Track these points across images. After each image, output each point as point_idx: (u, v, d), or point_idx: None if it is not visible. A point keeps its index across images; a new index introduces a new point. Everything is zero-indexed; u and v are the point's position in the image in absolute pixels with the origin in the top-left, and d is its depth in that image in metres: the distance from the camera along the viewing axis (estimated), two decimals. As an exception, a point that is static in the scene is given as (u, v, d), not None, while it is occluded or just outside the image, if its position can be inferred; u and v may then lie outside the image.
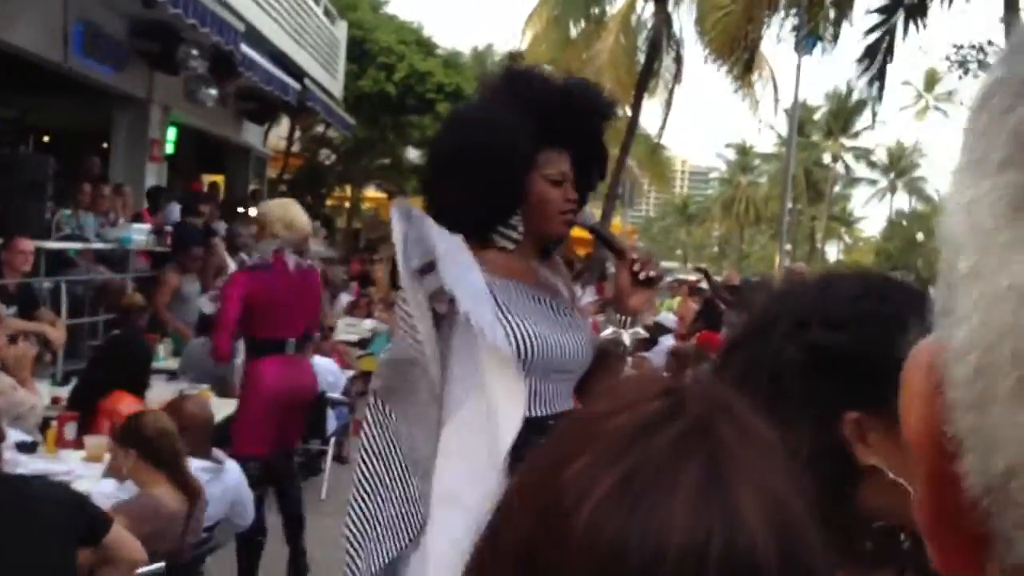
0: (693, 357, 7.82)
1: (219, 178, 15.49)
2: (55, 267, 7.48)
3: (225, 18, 8.78)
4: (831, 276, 1.15)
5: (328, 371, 6.86)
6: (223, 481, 3.82)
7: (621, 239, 2.49)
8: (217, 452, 3.91)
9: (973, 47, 8.42)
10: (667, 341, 10.44)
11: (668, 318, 11.55)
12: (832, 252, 71.04)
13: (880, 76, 8.37)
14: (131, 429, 3.32)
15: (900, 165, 63.80)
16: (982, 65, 8.21)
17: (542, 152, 2.20)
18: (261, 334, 4.97)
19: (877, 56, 8.23)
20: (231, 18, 9.01)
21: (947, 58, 8.33)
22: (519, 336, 2.08)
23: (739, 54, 7.64)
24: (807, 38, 7.64)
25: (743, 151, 65.94)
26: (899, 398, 0.66)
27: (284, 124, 17.54)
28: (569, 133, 2.24)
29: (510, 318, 2.09)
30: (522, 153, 2.16)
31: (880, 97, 8.43)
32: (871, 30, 8.31)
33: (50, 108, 12.57)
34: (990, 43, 8.27)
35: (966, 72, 8.44)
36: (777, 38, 7.57)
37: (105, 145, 11.82)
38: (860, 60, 8.24)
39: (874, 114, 10.69)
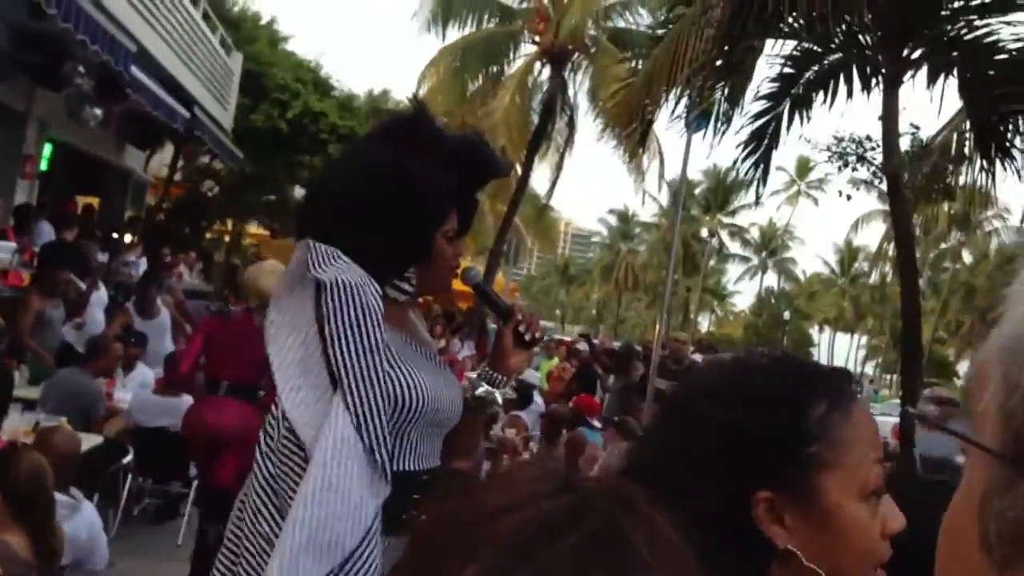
0: (568, 419, 7.85)
1: (95, 200, 14.89)
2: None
3: (116, 37, 8.49)
4: (743, 357, 1.16)
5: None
6: (78, 520, 3.60)
7: (505, 299, 2.46)
8: (75, 490, 3.68)
9: (853, 140, 8.87)
10: (536, 400, 10.52)
11: (533, 375, 11.62)
12: (704, 323, 73.08)
13: (765, 159, 8.70)
14: (3, 469, 3.02)
15: (771, 245, 66.38)
16: (860, 159, 8.68)
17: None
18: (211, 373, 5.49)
19: (764, 140, 8.57)
20: (123, 37, 8.73)
21: (828, 148, 8.75)
22: (412, 386, 2.03)
23: (635, 127, 7.84)
24: (698, 118, 7.91)
25: (625, 218, 67.48)
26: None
27: (168, 151, 17.05)
28: (465, 189, 2.21)
29: (403, 367, 2.04)
30: (442, 210, 2.12)
31: (765, 180, 8.78)
32: (758, 115, 8.66)
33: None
34: (868, 138, 8.73)
35: (845, 164, 8.86)
36: (670, 115, 7.86)
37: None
38: (747, 143, 8.56)
39: (758, 196, 11.20)
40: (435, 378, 2.12)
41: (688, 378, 1.18)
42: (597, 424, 8.22)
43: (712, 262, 65.92)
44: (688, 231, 59.00)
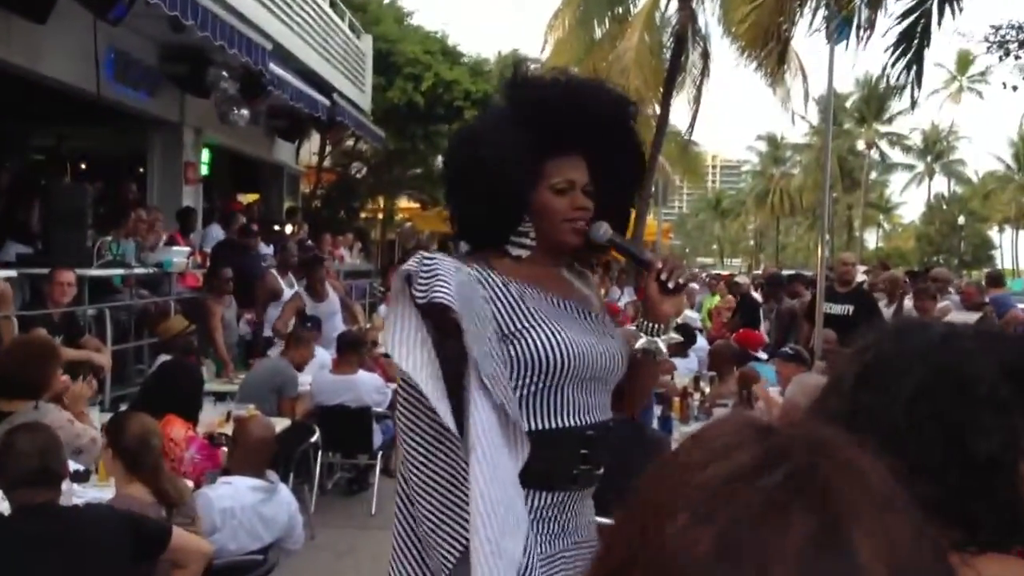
0: (735, 355, 7.73)
1: (254, 197, 15.61)
2: (98, 294, 7.55)
3: (252, 38, 8.83)
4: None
5: (373, 387, 6.88)
6: (275, 502, 3.83)
7: (642, 249, 2.46)
8: (271, 473, 3.92)
9: (1013, 27, 8.22)
10: (700, 340, 10.35)
11: (693, 317, 11.43)
12: (871, 239, 70.29)
13: (918, 60, 8.15)
14: (113, 430, 3.40)
15: (936, 148, 62.95)
16: (1022, 45, 8.02)
17: (550, 160, 2.15)
18: None
19: (913, 41, 8.03)
20: (258, 37, 9.07)
21: (985, 39, 8.13)
22: (553, 345, 2.04)
23: (772, 47, 7.50)
24: (839, 27, 7.44)
25: (774, 143, 65.42)
26: None
27: (315, 140, 17.64)
28: (579, 136, 2.16)
29: (543, 324, 2.05)
30: (518, 164, 2.11)
31: (919, 83, 8.22)
32: (904, 15, 8.12)
33: (85, 135, 12.76)
34: (1029, 22, 8.07)
35: (1006, 53, 8.22)
36: (809, 28, 7.44)
37: (142, 169, 11.96)
38: (895, 46, 8.04)
39: (913, 101, 10.52)
40: (584, 335, 2.12)
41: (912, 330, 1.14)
42: (763, 355, 8.08)
43: (873, 175, 63.14)
44: (843, 146, 56.63)
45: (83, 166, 13.53)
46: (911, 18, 8.11)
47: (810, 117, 46.26)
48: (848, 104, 57.13)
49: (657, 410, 6.16)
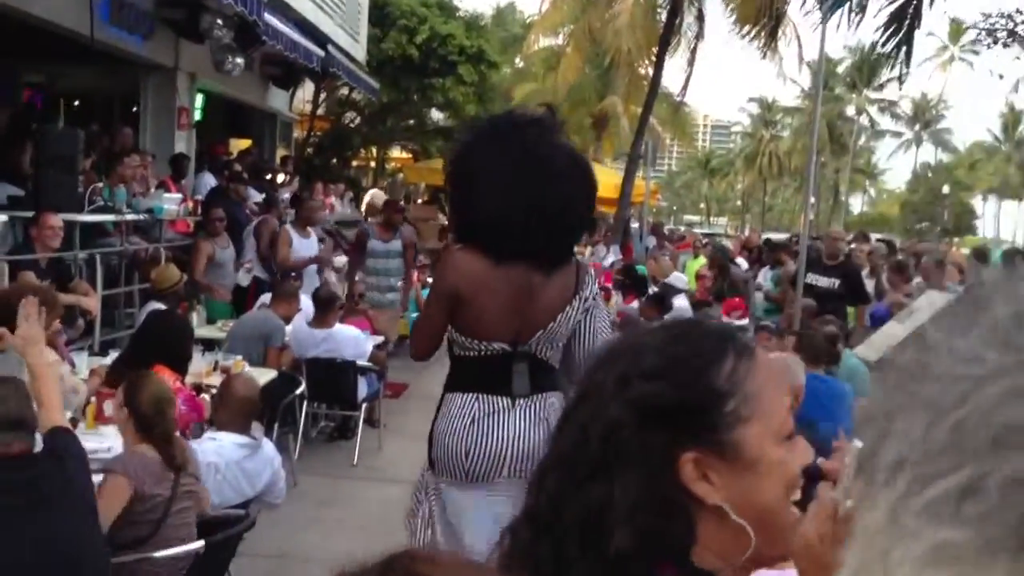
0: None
1: (247, 143, 15.61)
2: (90, 238, 7.63)
3: (248, -12, 8.81)
4: (639, 333, 1.18)
5: (349, 339, 7.02)
6: (259, 458, 3.98)
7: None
8: (256, 429, 4.07)
9: (1003, 16, 8.30)
10: (680, 302, 10.41)
11: (680, 279, 11.49)
12: (856, 204, 70.55)
13: (908, 41, 8.22)
14: (130, 391, 3.48)
15: (925, 116, 63.03)
16: (1011, 35, 8.11)
17: None
18: None
19: (904, 22, 8.09)
20: (254, -13, 9.05)
21: (975, 26, 8.20)
22: None
23: (765, 23, 7.57)
24: (832, 5, 7.51)
25: (766, 105, 65.30)
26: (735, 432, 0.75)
27: (309, 87, 17.58)
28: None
29: None
30: None
31: (908, 63, 8.30)
32: (895, -4, 8.17)
33: (78, 75, 12.69)
34: (1019, 11, 8.17)
35: (995, 41, 8.32)
36: (801, 4, 7.52)
37: (135, 109, 11.93)
38: (886, 26, 8.12)
39: (901, 80, 10.53)
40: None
41: (600, 362, 1.14)
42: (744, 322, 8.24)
43: (862, 140, 63.21)
44: (834, 111, 56.61)
45: (76, 103, 13.50)
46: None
47: (802, 81, 46.08)
48: (840, 69, 57.00)
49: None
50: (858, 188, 67.81)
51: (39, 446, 3.04)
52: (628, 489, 1.02)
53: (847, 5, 7.93)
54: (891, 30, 8.19)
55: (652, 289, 10.78)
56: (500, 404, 2.86)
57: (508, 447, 2.84)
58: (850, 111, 59.46)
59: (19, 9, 8.09)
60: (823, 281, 7.88)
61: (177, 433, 3.61)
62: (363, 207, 11.55)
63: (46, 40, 9.19)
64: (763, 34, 7.90)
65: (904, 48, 8.27)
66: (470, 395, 2.88)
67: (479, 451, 2.84)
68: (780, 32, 13.11)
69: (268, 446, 4.16)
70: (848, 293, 8.37)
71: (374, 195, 11.62)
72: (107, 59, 10.46)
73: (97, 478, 3.54)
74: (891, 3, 8.26)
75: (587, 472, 1.05)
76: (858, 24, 7.97)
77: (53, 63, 11.93)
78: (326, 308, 6.94)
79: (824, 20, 7.05)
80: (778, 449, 1.07)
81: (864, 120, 60.82)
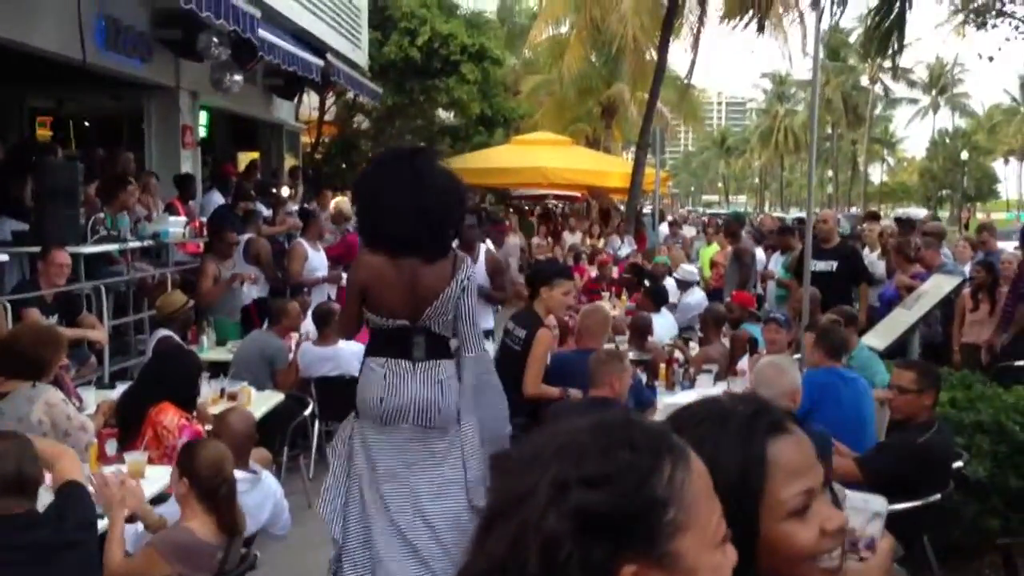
0: (732, 316, 7.79)
1: (254, 155, 15.67)
2: (95, 268, 7.67)
3: (239, 6, 8.82)
4: (573, 431, 1.08)
5: (354, 355, 7.01)
6: (260, 491, 3.98)
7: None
8: (254, 463, 4.07)
9: (990, -4, 8.14)
10: (695, 295, 10.29)
11: (691, 271, 11.32)
12: (875, 174, 69.93)
13: (899, 24, 8.07)
14: (187, 459, 3.43)
15: (941, 82, 62.29)
16: (999, 14, 7.94)
17: None
18: None
19: (895, 4, 7.95)
20: (245, 4, 9.06)
21: (957, 10, 8.04)
22: None
23: (752, 15, 7.50)
24: None
25: (779, 80, 64.79)
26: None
27: (314, 95, 17.62)
28: None
29: None
30: None
31: (900, 49, 8.16)
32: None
33: (85, 99, 12.79)
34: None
35: (983, 24, 8.16)
36: None
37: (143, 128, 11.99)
38: (876, 11, 7.98)
39: (895, 66, 10.27)
40: None
41: (533, 459, 1.06)
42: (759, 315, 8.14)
43: (878, 110, 62.59)
44: (847, 82, 56.10)
45: (85, 124, 13.62)
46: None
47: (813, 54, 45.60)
48: (852, 39, 56.41)
49: (643, 376, 6.22)
50: (877, 158, 67.17)
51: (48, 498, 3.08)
52: None
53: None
54: (881, 13, 8.06)
55: (669, 280, 10.63)
56: (403, 367, 3.76)
57: (410, 401, 3.72)
58: (864, 81, 58.86)
59: (17, 41, 8.17)
60: (820, 265, 7.84)
61: (161, 457, 3.60)
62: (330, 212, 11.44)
63: (52, 66, 9.25)
64: (752, 24, 7.87)
65: (896, 35, 8.14)
66: (381, 359, 3.79)
67: (388, 401, 3.73)
68: (777, 14, 12.97)
69: (268, 478, 4.16)
70: (848, 274, 8.31)
71: (340, 203, 11.50)
72: (111, 82, 10.54)
73: (132, 527, 3.55)
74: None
75: None
76: (840, 14, 7.87)
77: (60, 88, 12.03)
78: (326, 325, 6.94)
79: (815, 5, 6.95)
80: (714, 555, 1.04)
81: (879, 89, 60.19)
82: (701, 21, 18.58)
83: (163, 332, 6.81)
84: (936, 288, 7.26)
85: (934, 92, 62.81)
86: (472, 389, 3.81)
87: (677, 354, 6.87)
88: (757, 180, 75.96)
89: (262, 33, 9.68)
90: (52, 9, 8.15)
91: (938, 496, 4.09)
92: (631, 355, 6.34)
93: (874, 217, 12.64)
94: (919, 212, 33.81)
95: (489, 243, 8.20)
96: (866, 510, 1.99)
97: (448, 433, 3.79)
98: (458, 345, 3.87)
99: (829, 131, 59.09)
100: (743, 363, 6.40)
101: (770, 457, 1.27)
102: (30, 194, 7.83)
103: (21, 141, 10.72)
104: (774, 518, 1.25)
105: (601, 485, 1.00)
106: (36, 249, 6.75)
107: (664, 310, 8.71)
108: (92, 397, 5.64)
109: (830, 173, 63.57)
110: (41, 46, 8.46)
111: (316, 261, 9.25)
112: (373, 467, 3.77)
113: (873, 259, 9.72)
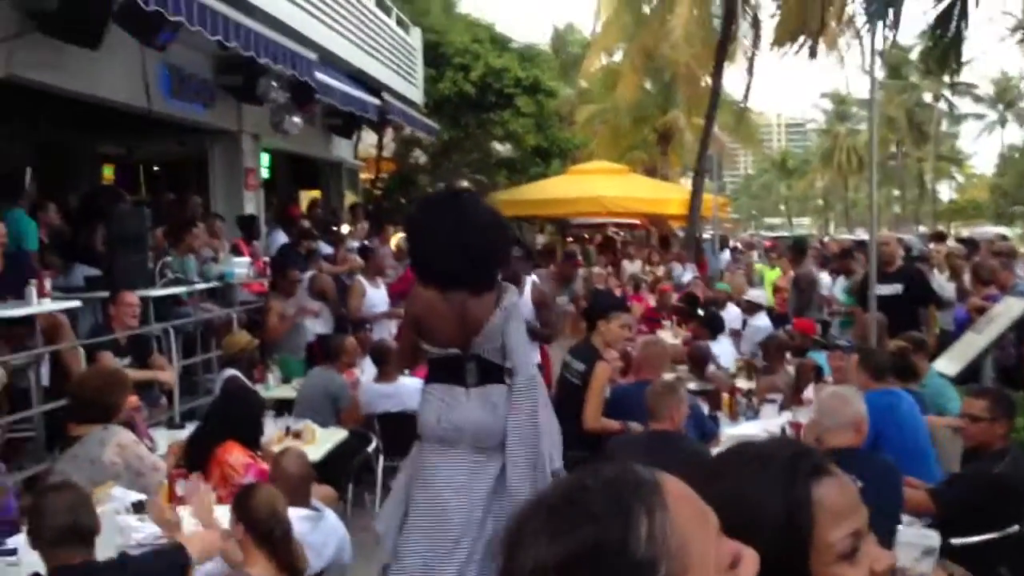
0: (794, 344, 7.68)
1: (315, 193, 15.94)
2: (164, 310, 7.86)
3: (297, 51, 9.04)
4: (539, 505, 1.00)
5: (414, 391, 7.05)
6: (322, 529, 4.03)
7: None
8: (316, 501, 4.12)
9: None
10: (760, 320, 10.08)
11: (758, 296, 11.10)
12: (944, 192, 68.53)
13: (956, 43, 7.93)
14: (242, 504, 3.47)
15: (1008, 96, 60.94)
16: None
17: None
18: None
19: (951, 24, 7.80)
20: (302, 49, 9.28)
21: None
22: None
23: (803, 42, 7.44)
24: (877, 9, 7.26)
25: (839, 100, 64.02)
26: None
27: (373, 132, 17.90)
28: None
29: None
30: None
31: (959, 66, 7.99)
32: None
33: (152, 146, 13.17)
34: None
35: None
36: (838, 23, 7.29)
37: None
38: (933, 28, 7.84)
39: (953, 83, 10.09)
40: None
41: (506, 548, 0.98)
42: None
43: (943, 126, 61.45)
44: (910, 99, 55.23)
45: (155, 168, 14.02)
46: (947, 1, 7.88)
47: (875, 73, 44.88)
48: (913, 56, 55.58)
49: (705, 407, 6.16)
50: (944, 175, 65.87)
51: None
52: None
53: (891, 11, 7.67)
54: (938, 32, 7.90)
55: (734, 307, 10.45)
56: (458, 392, 3.98)
57: (465, 421, 3.93)
58: (927, 98, 57.86)
59: (85, 93, 8.46)
60: (885, 289, 7.62)
61: (228, 496, 3.64)
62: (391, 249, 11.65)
63: (121, 115, 9.55)
64: (806, 48, 7.79)
65: (953, 53, 7.95)
66: (439, 385, 4.04)
67: (445, 422, 3.94)
68: (831, 36, 12.81)
69: (331, 516, 4.21)
70: (915, 297, 8.10)
71: (400, 239, 11.67)
72: (176, 128, 10.84)
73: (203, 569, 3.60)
74: (937, 3, 7.98)
75: None
76: (895, 35, 7.71)
77: (129, 136, 12.40)
78: (384, 363, 6.99)
79: (872, 23, 6.87)
80: None
81: (943, 105, 59.12)
82: (755, 46, 18.53)
83: (230, 371, 6.93)
84: (1008, 310, 7.08)
85: (1001, 107, 61.48)
86: (527, 413, 3.91)
87: (741, 383, 6.79)
88: (820, 201, 74.94)
89: (319, 76, 9.90)
90: (119, 61, 8.42)
91: (1016, 527, 3.98)
92: (692, 385, 6.29)
93: (940, 237, 12.39)
94: (990, 230, 32.92)
95: (535, 276, 8.16)
96: (918, 545, 1.95)
97: (501, 454, 3.93)
98: (511, 367, 4.03)
99: (894, 149, 58.13)
100: (809, 392, 6.30)
101: (815, 500, 1.24)
102: (100, 239, 8.07)
103: (92, 189, 11.04)
104: (824, 562, 1.23)
105: (575, 569, 0.92)
106: (107, 294, 6.96)
107: (722, 338, 8.60)
108: (163, 438, 5.78)
109: (896, 192, 62.48)
110: (109, 96, 8.74)
111: (375, 297, 9.36)
112: (434, 485, 3.97)
113: (942, 281, 9.51)
